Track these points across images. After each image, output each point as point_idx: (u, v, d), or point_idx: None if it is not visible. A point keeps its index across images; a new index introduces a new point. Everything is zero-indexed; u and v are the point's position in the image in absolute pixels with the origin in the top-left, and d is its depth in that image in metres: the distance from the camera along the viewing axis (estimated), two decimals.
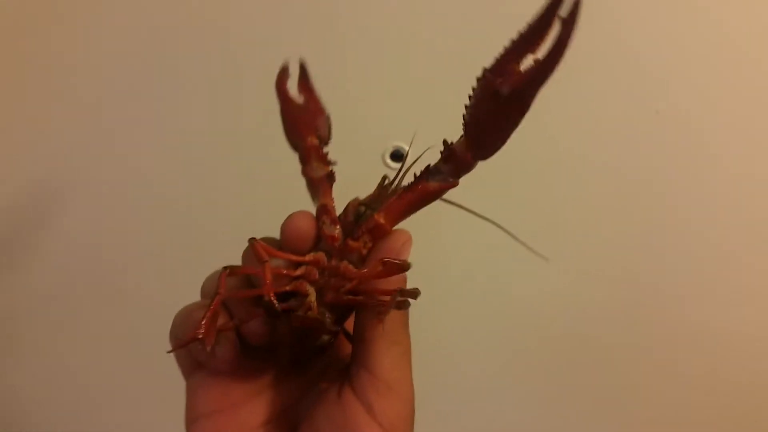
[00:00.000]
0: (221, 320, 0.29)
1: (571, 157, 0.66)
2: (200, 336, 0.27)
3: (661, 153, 0.65)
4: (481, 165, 0.31)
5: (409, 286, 0.30)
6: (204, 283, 0.31)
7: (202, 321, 0.27)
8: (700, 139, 0.66)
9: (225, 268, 0.29)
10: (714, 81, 0.64)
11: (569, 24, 0.24)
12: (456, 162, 0.30)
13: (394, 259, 0.29)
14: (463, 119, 0.29)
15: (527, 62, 0.26)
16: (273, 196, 0.65)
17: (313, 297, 0.29)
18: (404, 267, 0.29)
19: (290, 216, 0.31)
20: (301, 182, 0.35)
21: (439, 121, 0.65)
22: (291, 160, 0.35)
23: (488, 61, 0.28)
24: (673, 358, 0.70)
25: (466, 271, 0.69)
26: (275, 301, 0.28)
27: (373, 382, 0.29)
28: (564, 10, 0.24)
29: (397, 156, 0.65)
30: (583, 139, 0.66)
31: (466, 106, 0.29)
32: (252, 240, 0.29)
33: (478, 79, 0.28)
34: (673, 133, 0.65)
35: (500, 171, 0.65)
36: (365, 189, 0.66)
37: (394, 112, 0.66)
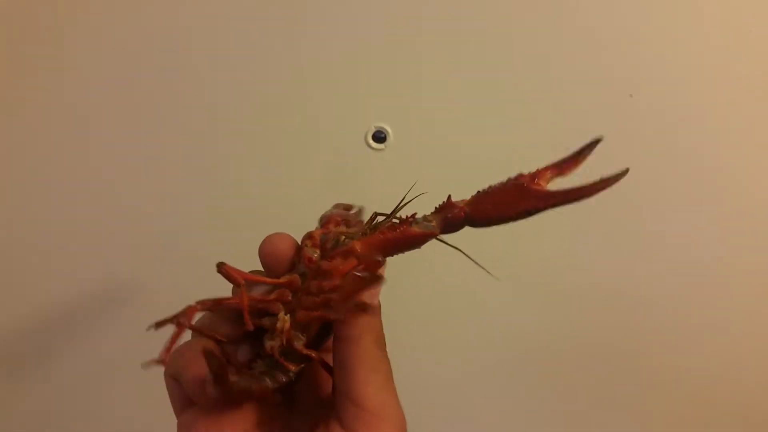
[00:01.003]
0: (206, 344, 0.30)
1: (539, 143, 0.65)
2: (162, 363, 0.29)
3: (634, 138, 0.65)
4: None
5: (385, 304, 0.31)
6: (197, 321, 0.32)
7: (167, 350, 0.29)
8: (675, 124, 0.66)
9: (198, 302, 0.30)
10: (689, 65, 0.64)
11: (603, 184, 0.29)
12: (447, 213, 0.31)
13: (363, 273, 0.30)
14: (479, 190, 0.32)
15: (555, 183, 0.31)
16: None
17: (284, 317, 0.30)
18: (375, 280, 0.29)
19: (269, 236, 0.31)
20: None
21: (421, 102, 0.67)
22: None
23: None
24: (649, 367, 0.72)
25: (441, 286, 0.70)
26: (251, 324, 0.29)
27: (359, 413, 0.29)
28: (608, 176, 0.29)
29: (380, 137, 0.67)
30: (555, 124, 0.66)
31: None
32: (221, 265, 0.30)
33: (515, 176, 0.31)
34: (647, 117, 0.65)
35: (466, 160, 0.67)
36: (348, 169, 0.67)
37: (377, 93, 0.65)
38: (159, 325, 0.30)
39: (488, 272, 0.32)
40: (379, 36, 0.65)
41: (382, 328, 0.31)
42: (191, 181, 0.67)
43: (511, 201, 0.30)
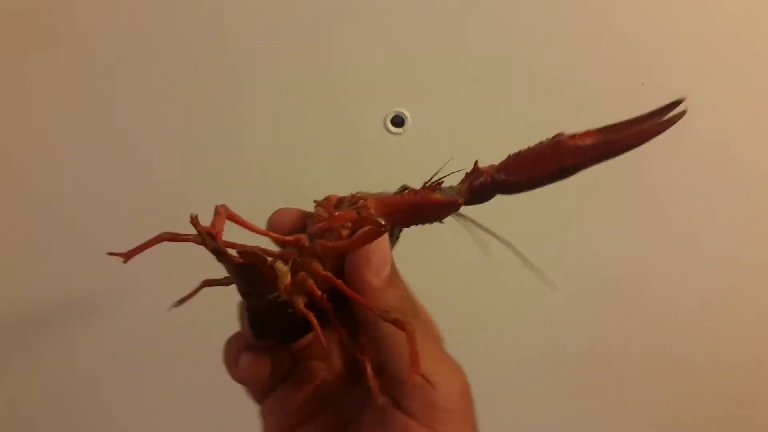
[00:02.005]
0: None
1: (550, 128, 0.65)
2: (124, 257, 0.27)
3: None
4: None
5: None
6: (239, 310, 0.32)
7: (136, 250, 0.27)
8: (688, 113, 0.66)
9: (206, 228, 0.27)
10: (700, 54, 0.64)
11: (656, 129, 0.27)
12: (473, 179, 0.28)
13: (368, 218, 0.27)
14: (510, 154, 0.29)
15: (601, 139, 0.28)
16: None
17: (283, 267, 0.28)
18: (379, 229, 0.26)
19: (277, 210, 0.31)
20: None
21: (439, 86, 0.66)
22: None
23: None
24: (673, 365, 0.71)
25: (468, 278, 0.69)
26: (217, 240, 0.26)
27: (407, 390, 0.28)
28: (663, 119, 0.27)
29: (398, 121, 0.66)
30: (566, 112, 0.65)
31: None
32: (219, 206, 0.28)
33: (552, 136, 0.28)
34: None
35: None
36: (366, 153, 0.66)
37: (396, 78, 0.66)
38: (179, 302, 0.29)
39: (523, 259, 0.30)
40: (398, 21, 0.65)
41: (404, 297, 0.29)
42: (207, 166, 0.67)
43: (546, 159, 0.27)
